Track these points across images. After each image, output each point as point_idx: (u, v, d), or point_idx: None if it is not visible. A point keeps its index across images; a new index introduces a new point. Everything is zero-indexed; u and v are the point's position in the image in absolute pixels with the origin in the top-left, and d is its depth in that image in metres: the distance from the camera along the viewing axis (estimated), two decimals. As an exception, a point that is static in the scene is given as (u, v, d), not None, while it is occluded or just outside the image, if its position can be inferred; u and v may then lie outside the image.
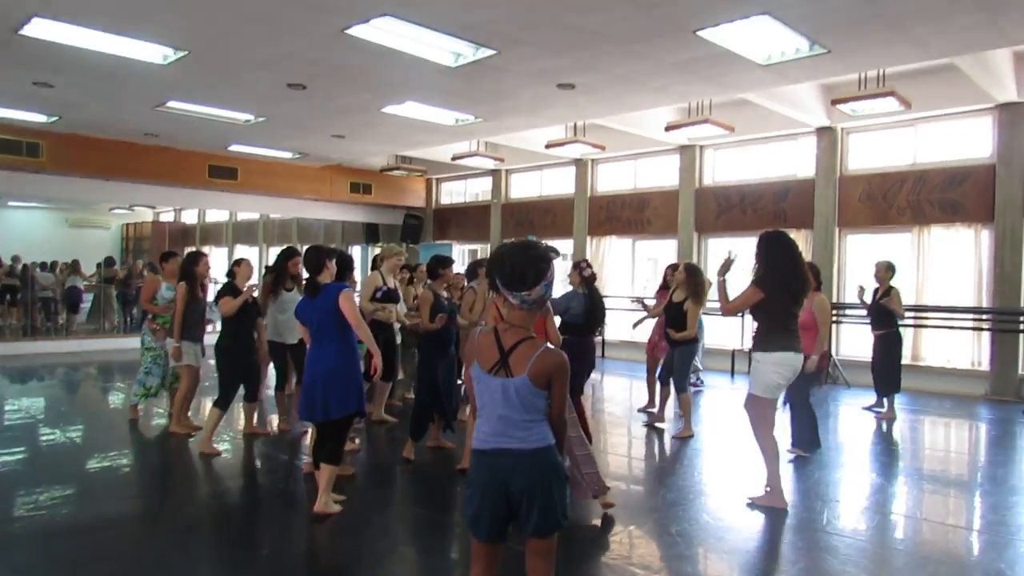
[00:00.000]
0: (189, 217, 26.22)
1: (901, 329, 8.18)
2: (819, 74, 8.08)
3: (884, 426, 7.83)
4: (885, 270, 8.00)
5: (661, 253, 13.15)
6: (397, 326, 7.11)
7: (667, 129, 10.30)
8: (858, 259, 10.73)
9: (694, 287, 6.85)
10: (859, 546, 4.32)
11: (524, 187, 15.74)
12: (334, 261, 4.79)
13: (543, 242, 2.94)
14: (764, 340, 4.84)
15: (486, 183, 16.22)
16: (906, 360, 9.99)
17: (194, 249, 6.85)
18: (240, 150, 13.05)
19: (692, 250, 12.37)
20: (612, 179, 14.00)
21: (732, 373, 11.15)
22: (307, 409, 4.54)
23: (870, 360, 8.29)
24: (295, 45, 7.14)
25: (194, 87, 8.82)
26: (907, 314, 10.10)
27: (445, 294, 6.03)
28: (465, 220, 16.70)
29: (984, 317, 9.66)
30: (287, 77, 8.32)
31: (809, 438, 6.21)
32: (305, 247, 5.17)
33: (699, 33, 6.49)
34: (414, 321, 6.42)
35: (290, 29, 6.65)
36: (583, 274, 5.93)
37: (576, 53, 7.18)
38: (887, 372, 8.07)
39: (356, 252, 19.55)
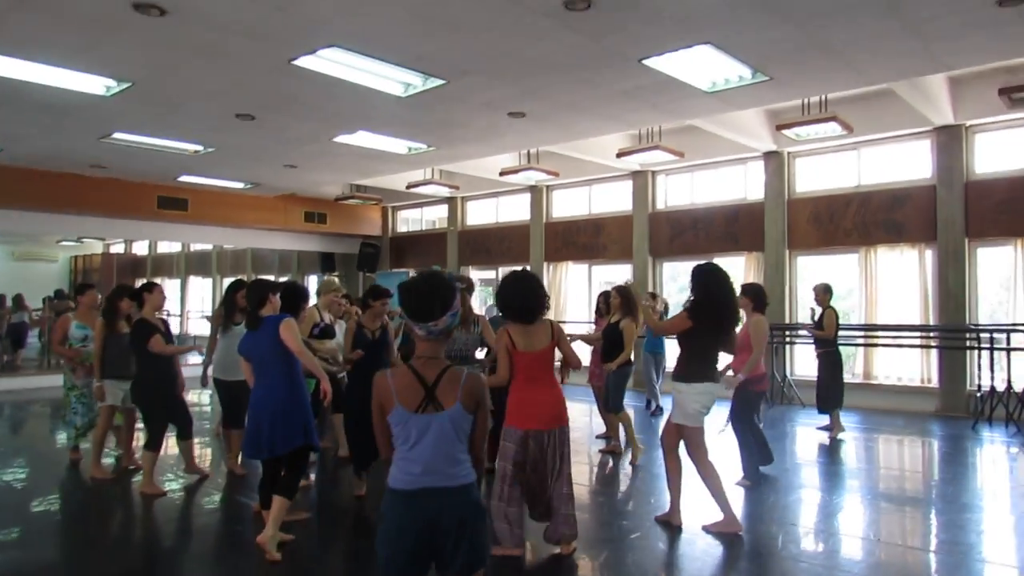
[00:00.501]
0: (140, 248, 25.68)
1: (842, 348, 8.44)
2: (762, 101, 8.26)
3: (835, 444, 7.95)
4: (823, 292, 8.25)
5: (617, 278, 13.21)
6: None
7: (618, 155, 10.41)
8: (809, 280, 10.91)
9: (628, 308, 7.07)
10: (814, 571, 4.32)
11: (480, 214, 15.76)
12: (278, 295, 4.69)
13: (449, 272, 2.95)
14: (687, 370, 4.91)
15: (442, 210, 16.21)
16: (858, 379, 10.26)
17: (124, 283, 6.40)
18: (190, 180, 12.82)
19: (647, 274, 12.48)
20: (567, 205, 14.10)
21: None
22: (252, 446, 4.43)
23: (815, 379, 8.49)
24: (241, 76, 7.06)
25: (139, 118, 8.66)
26: (858, 334, 10.39)
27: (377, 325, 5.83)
28: (422, 248, 16.64)
29: (931, 335, 9.89)
30: (235, 108, 8.22)
31: (755, 469, 6.19)
32: (255, 278, 5.08)
33: (644, 62, 6.59)
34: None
35: (236, 60, 6.57)
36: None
37: (525, 82, 7.23)
38: (828, 390, 8.27)
39: (312, 282, 19.32)
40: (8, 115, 8.51)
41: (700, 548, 4.72)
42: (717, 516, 4.96)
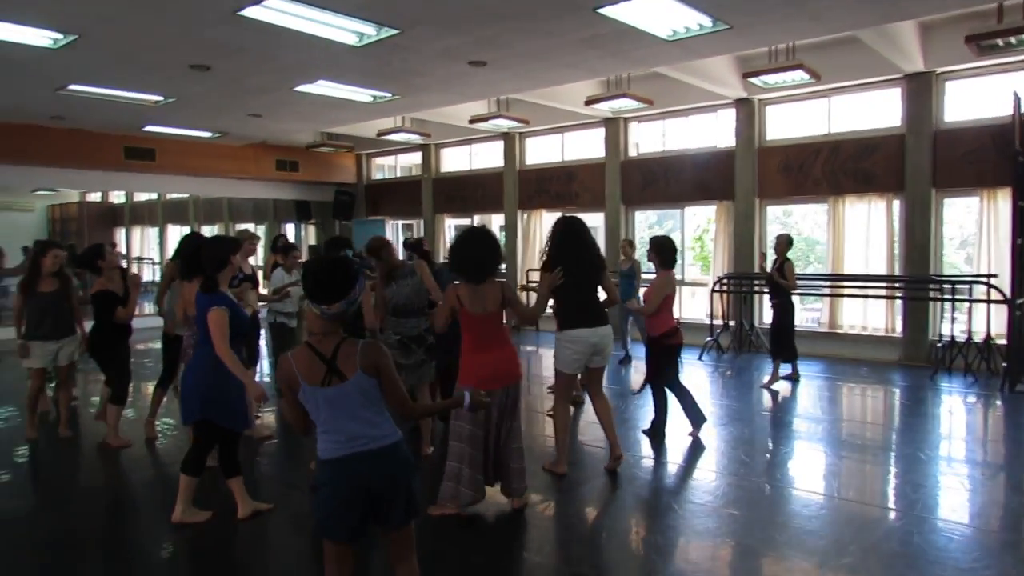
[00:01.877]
0: (117, 197, 25.35)
1: (809, 297, 8.45)
2: (724, 49, 8.12)
3: (791, 389, 8.12)
4: (785, 244, 8.26)
5: (590, 226, 13.15)
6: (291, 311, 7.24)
7: (587, 103, 10.27)
8: (777, 229, 10.91)
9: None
10: (744, 520, 4.43)
11: (454, 161, 15.58)
12: (238, 255, 4.56)
13: (359, 261, 3.03)
14: (560, 319, 5.18)
15: (417, 158, 16.01)
16: (823, 328, 10.36)
17: (50, 239, 5.99)
18: (156, 131, 12.58)
19: (620, 223, 12.44)
20: (540, 152, 13.94)
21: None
22: (185, 411, 4.39)
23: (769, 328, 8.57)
24: (187, 27, 6.85)
25: (91, 70, 8.45)
26: (824, 283, 10.45)
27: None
28: (397, 195, 16.49)
29: (896, 285, 9.94)
30: (187, 59, 8.01)
31: (661, 426, 6.28)
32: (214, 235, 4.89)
33: (600, 11, 6.42)
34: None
35: (181, 10, 6.36)
36: None
37: (479, 31, 7.05)
38: (781, 339, 8.36)
39: (289, 230, 19.21)
40: (-44, 67, 8.29)
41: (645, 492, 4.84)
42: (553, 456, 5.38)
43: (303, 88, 9.48)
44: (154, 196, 23.41)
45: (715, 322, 10.94)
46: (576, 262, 5.02)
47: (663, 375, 6.23)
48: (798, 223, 13.44)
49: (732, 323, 10.87)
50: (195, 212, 21.68)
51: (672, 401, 6.30)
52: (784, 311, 8.30)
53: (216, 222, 20.96)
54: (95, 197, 25.28)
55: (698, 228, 13.40)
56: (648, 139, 12.46)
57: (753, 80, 8.81)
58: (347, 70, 8.55)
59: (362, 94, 9.91)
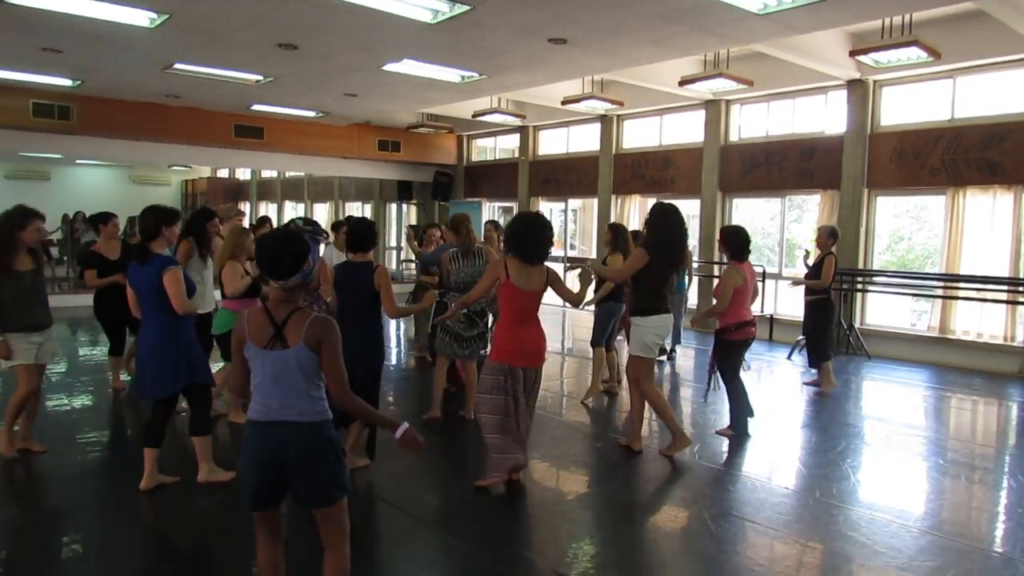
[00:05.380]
0: (244, 174, 26.81)
1: (923, 297, 7.69)
2: (825, 23, 7.44)
3: (819, 395, 7.48)
4: (827, 236, 7.55)
5: (685, 213, 12.59)
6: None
7: (680, 84, 9.76)
8: (887, 222, 10.05)
9: (616, 243, 6.84)
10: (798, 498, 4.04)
11: (552, 144, 15.36)
12: (175, 226, 4.57)
13: (310, 228, 3.03)
14: (642, 305, 5.25)
15: (516, 140, 15.89)
16: (932, 332, 9.46)
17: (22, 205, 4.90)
18: (263, 109, 13.11)
19: (716, 210, 11.84)
20: (637, 136, 13.48)
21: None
22: (138, 385, 4.48)
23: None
24: (270, 6, 7.01)
25: (187, 49, 8.83)
26: (937, 283, 9.53)
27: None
28: (494, 178, 16.46)
29: (1021, 289, 8.90)
30: (275, 38, 8.21)
31: (742, 420, 5.90)
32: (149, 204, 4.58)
33: (672, -19, 6.03)
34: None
35: (259, -12, 6.52)
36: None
37: (553, 5, 6.79)
38: (816, 339, 7.65)
39: (392, 210, 19.62)
40: (72, 48, 8.87)
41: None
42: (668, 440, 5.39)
43: (390, 67, 9.53)
44: (274, 174, 24.59)
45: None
46: (668, 250, 5.14)
47: (726, 368, 5.85)
48: (930, 217, 12.18)
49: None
50: (309, 190, 22.59)
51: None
52: (819, 309, 7.58)
53: (326, 200, 21.73)
54: (223, 173, 26.87)
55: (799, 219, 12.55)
56: (751, 123, 11.76)
57: (863, 59, 8.10)
58: (428, 48, 8.51)
59: (449, 73, 9.87)
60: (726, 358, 5.84)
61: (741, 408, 5.89)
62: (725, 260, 6.24)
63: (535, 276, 4.48)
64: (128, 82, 10.99)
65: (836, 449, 5.70)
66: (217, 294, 5.90)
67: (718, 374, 5.88)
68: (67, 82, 11.13)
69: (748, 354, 6.20)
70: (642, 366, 5.32)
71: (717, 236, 5.99)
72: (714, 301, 5.93)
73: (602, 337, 7.08)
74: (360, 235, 4.68)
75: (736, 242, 5.83)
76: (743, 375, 5.99)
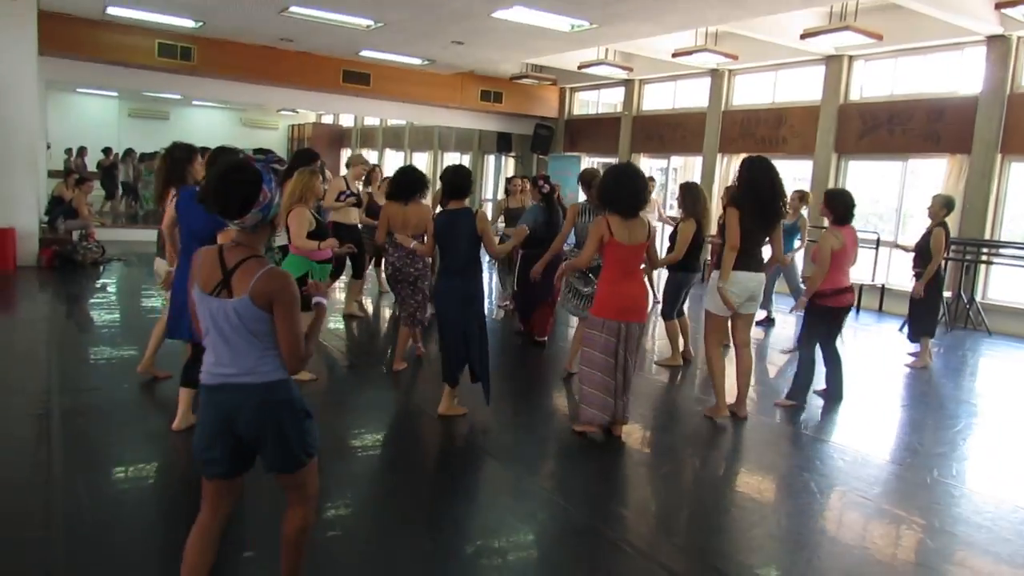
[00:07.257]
0: (347, 120, 27.34)
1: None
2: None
3: (922, 370, 7.01)
4: (940, 206, 6.83)
5: (796, 175, 12.07)
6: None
7: (802, 37, 9.27)
8: (1022, 190, 9.34)
9: (687, 207, 6.21)
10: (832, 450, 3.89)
11: (657, 99, 14.92)
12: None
13: (262, 156, 2.50)
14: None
15: (619, 94, 15.53)
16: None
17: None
18: (371, 56, 13.26)
19: (829, 173, 11.29)
20: (749, 92, 12.92)
21: (890, 316, 10.18)
22: (176, 328, 4.22)
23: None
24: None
25: (303, -9, 8.99)
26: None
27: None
28: (595, 132, 16.17)
29: None
30: (387, -19, 8.26)
31: (802, 390, 5.58)
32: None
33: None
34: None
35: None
36: (541, 191, 6.61)
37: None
38: (921, 314, 7.06)
39: (490, 162, 19.63)
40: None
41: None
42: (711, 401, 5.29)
43: (500, 15, 9.44)
44: (376, 122, 24.96)
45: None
46: (760, 206, 4.88)
47: (816, 335, 5.56)
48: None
49: (949, 294, 9.54)
50: (410, 138, 22.85)
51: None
52: (930, 284, 6.88)
53: (426, 150, 21.93)
54: (328, 120, 27.49)
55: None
56: (875, 81, 11.08)
57: (1009, 12, 7.46)
58: (541, -6, 8.37)
59: (560, 21, 9.70)
60: (820, 325, 5.52)
61: (837, 377, 5.72)
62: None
63: (637, 229, 4.44)
64: (246, 24, 11.31)
65: (955, 428, 5.42)
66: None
67: (813, 342, 5.57)
68: (190, 23, 11.53)
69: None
70: (709, 322, 5.17)
71: (826, 200, 5.60)
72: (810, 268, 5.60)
73: (673, 309, 6.65)
74: (458, 182, 4.66)
75: (841, 204, 5.47)
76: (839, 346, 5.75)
